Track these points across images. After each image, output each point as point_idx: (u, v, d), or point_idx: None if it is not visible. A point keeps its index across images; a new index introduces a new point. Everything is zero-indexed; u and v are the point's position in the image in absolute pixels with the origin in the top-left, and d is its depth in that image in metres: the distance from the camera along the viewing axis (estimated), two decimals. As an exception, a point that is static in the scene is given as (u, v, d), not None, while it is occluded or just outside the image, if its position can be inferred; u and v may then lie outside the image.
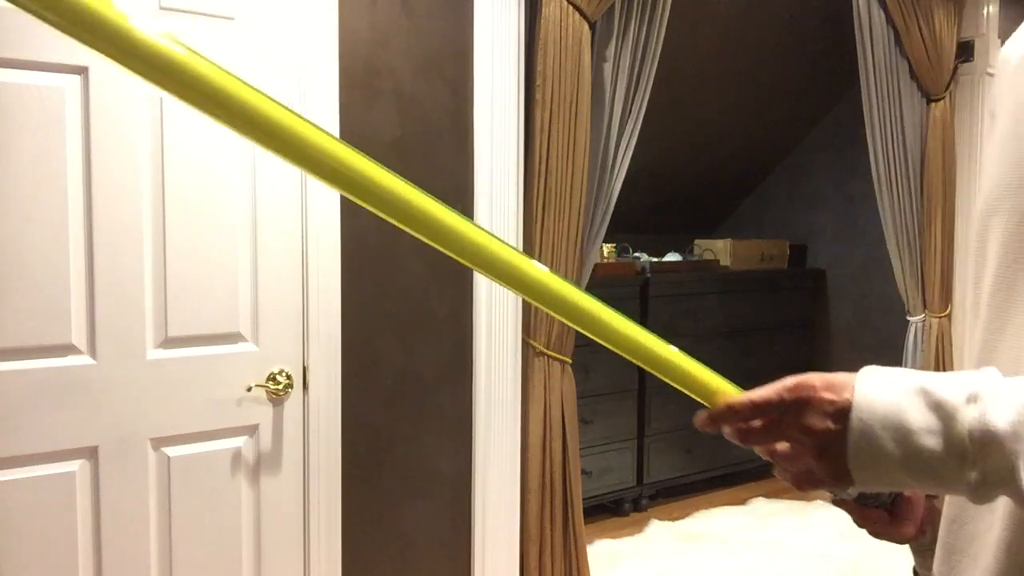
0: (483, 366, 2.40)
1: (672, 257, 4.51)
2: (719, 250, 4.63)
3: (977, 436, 0.59)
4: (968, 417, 0.60)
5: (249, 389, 2.04)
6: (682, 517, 4.01)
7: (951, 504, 0.74)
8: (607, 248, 4.09)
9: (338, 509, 2.17)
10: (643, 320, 4.00)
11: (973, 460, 0.60)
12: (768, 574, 3.39)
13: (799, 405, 0.66)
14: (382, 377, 2.26)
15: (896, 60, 3.53)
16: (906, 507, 0.79)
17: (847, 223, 4.85)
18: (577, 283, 2.55)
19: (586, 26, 2.45)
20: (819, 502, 4.19)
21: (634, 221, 4.57)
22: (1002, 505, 0.66)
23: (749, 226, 5.30)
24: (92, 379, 1.85)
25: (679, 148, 4.51)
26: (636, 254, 4.42)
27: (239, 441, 2.04)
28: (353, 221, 2.15)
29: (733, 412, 0.71)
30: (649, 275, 4.15)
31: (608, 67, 2.59)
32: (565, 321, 0.76)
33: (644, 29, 2.65)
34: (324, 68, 2.09)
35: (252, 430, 2.06)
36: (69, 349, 1.82)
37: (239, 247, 2.02)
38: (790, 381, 0.68)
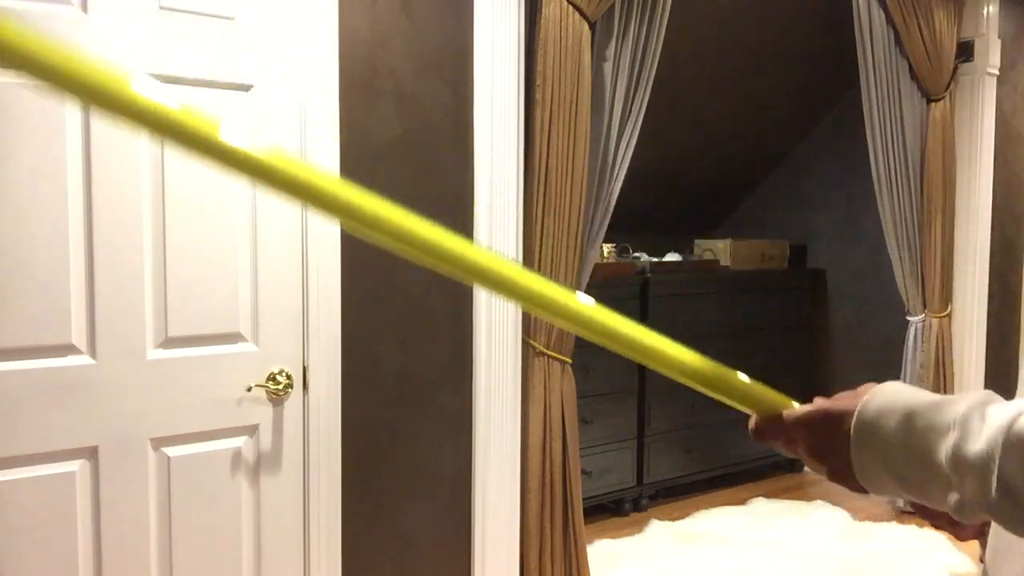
0: (483, 366, 2.40)
1: (672, 257, 4.51)
2: (719, 250, 4.63)
3: (953, 463, 0.64)
4: (946, 445, 0.65)
5: (249, 389, 2.04)
6: (682, 517, 4.01)
7: None
8: (607, 248, 4.09)
9: (338, 509, 2.17)
10: (643, 320, 3.99)
11: (954, 486, 0.65)
12: (768, 574, 3.38)
13: (808, 431, 0.75)
14: (382, 377, 2.26)
15: (896, 60, 3.53)
16: None
17: (847, 223, 4.85)
18: (576, 285, 2.55)
19: (586, 26, 2.45)
20: (819, 502, 4.19)
21: (634, 221, 4.56)
22: None
23: (749, 226, 5.30)
24: (92, 379, 1.85)
25: (679, 148, 4.51)
26: (636, 254, 4.42)
27: (239, 441, 2.04)
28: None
29: (778, 427, 0.78)
30: (649, 275, 4.14)
31: (608, 67, 2.59)
32: (627, 353, 0.78)
33: (644, 29, 2.65)
34: (324, 68, 2.09)
35: (252, 430, 2.06)
36: (69, 349, 1.82)
37: (239, 247, 2.02)
38: (801, 410, 0.76)
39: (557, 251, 2.47)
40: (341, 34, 2.11)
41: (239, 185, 2.01)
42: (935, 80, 3.63)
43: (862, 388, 0.74)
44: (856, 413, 0.71)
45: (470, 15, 2.33)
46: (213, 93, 1.96)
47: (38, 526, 1.80)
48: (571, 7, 2.40)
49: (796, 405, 0.79)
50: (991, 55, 3.81)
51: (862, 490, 0.72)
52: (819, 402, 0.75)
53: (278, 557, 2.11)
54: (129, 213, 1.88)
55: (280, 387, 2.06)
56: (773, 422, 0.77)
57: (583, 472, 3.69)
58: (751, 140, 4.81)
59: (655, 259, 4.37)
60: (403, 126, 2.25)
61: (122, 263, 1.87)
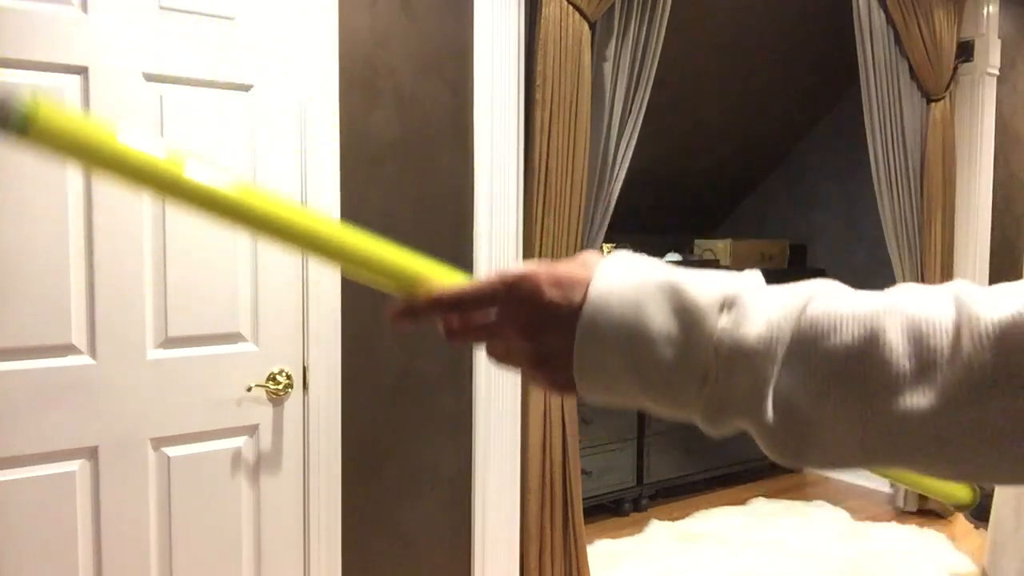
0: (483, 366, 2.40)
1: (672, 257, 4.52)
2: (719, 250, 4.63)
3: (724, 351, 0.49)
4: (716, 326, 0.50)
5: (249, 389, 2.04)
6: (682, 517, 4.01)
7: (997, 502, 0.76)
8: (607, 248, 4.09)
9: (338, 509, 2.17)
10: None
11: (715, 378, 0.50)
12: (768, 574, 3.38)
13: (517, 304, 0.55)
14: (382, 377, 2.26)
15: (896, 60, 3.53)
16: None
17: (847, 223, 4.85)
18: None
19: (586, 26, 2.45)
20: (819, 502, 4.19)
21: (634, 221, 4.57)
22: None
23: (749, 226, 5.30)
24: (92, 379, 1.85)
25: (679, 148, 4.51)
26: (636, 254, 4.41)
27: (239, 441, 2.04)
28: (354, 217, 2.15)
29: (436, 304, 0.59)
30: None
31: (608, 67, 2.59)
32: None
33: (644, 29, 2.65)
34: (324, 68, 2.09)
35: (252, 430, 2.06)
36: (69, 349, 1.82)
37: (239, 247, 2.02)
38: (511, 274, 0.56)
39: (557, 251, 2.47)
40: (341, 34, 2.11)
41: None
42: (935, 80, 3.63)
43: (586, 255, 0.57)
44: (592, 280, 0.53)
45: (470, 15, 2.33)
46: (213, 93, 1.96)
47: (38, 526, 1.80)
48: (571, 7, 2.40)
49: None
50: (991, 55, 3.81)
51: (569, 386, 0.55)
52: (530, 267, 0.56)
53: (278, 557, 2.11)
54: (129, 213, 1.88)
55: (280, 387, 2.06)
56: (463, 289, 0.58)
57: (583, 472, 3.69)
58: (751, 140, 4.81)
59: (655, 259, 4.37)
60: (403, 126, 2.25)
61: (122, 263, 1.87)
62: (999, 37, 3.85)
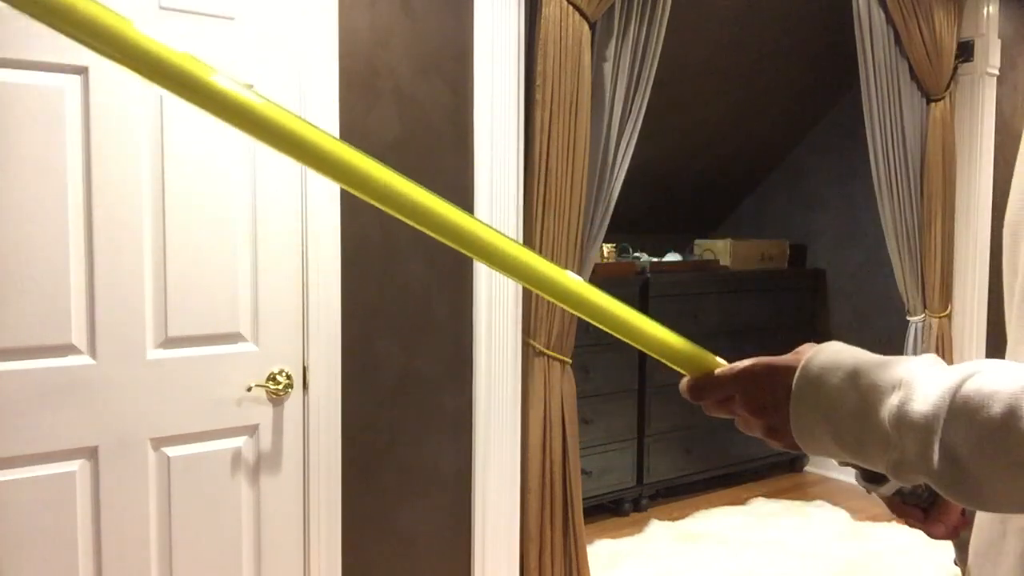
0: (483, 366, 2.40)
1: (672, 257, 4.51)
2: (719, 250, 4.63)
3: (894, 422, 0.62)
4: (890, 404, 0.63)
5: (249, 389, 2.04)
6: (682, 517, 4.01)
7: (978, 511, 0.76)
8: (607, 248, 4.09)
9: (338, 509, 2.17)
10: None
11: (894, 444, 0.63)
12: (768, 574, 3.38)
13: (745, 391, 0.74)
14: (382, 377, 2.26)
15: (896, 60, 3.53)
16: (941, 509, 0.81)
17: (847, 223, 4.85)
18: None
19: (586, 26, 2.45)
20: (819, 502, 4.19)
21: (634, 221, 4.56)
22: (1015, 518, 0.69)
23: (749, 226, 5.30)
24: (92, 379, 1.85)
25: (679, 148, 4.51)
26: (636, 254, 4.42)
27: (239, 441, 2.04)
28: (353, 220, 2.15)
29: (700, 391, 0.77)
30: (649, 275, 4.14)
31: (608, 67, 2.59)
32: (565, 307, 0.80)
33: (644, 29, 2.65)
34: (324, 68, 2.09)
35: (252, 430, 2.06)
36: (69, 349, 1.82)
37: (239, 247, 2.02)
38: (740, 367, 0.74)
39: (557, 251, 2.47)
40: (341, 34, 2.11)
41: (239, 184, 2.01)
42: (935, 80, 3.63)
43: (804, 347, 0.73)
44: (800, 367, 0.69)
45: (470, 15, 2.33)
46: (213, 93, 1.95)
47: (38, 526, 1.81)
48: (571, 7, 2.41)
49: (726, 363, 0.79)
50: (991, 55, 3.81)
51: (796, 447, 0.71)
52: (760, 358, 0.74)
53: (278, 557, 2.11)
54: (129, 213, 1.88)
55: (280, 387, 2.06)
56: (712, 378, 0.76)
57: (583, 472, 3.69)
58: (751, 140, 4.80)
59: (655, 259, 4.37)
60: (403, 126, 2.25)
61: (122, 263, 1.87)
62: (999, 37, 3.85)
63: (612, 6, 2.54)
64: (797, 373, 0.69)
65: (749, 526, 3.89)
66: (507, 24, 2.37)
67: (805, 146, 5.04)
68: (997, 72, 3.87)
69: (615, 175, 2.66)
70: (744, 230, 5.28)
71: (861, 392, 0.65)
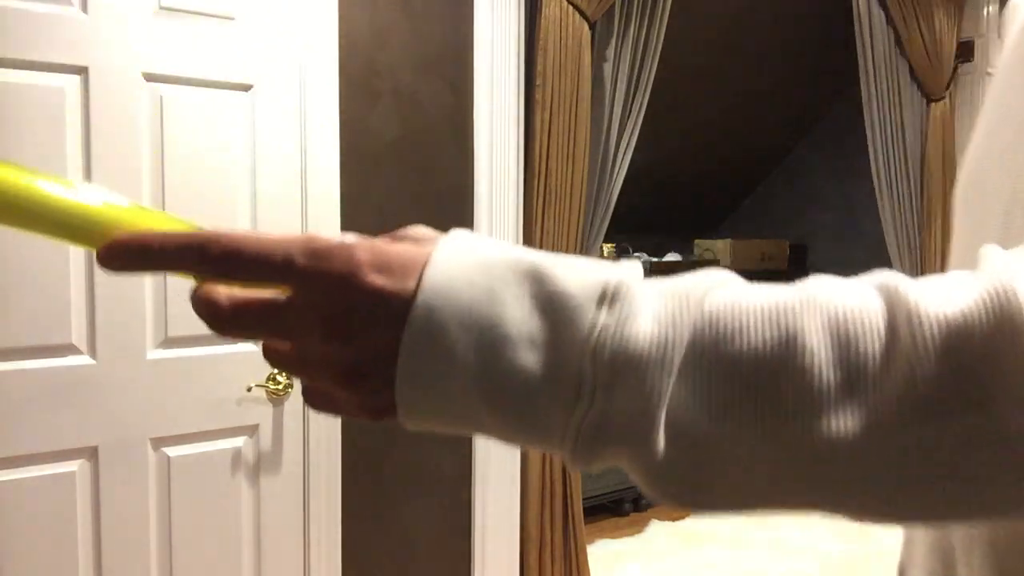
0: (483, 366, 2.40)
1: (672, 257, 4.52)
2: (719, 250, 4.63)
3: (605, 357, 0.36)
4: (596, 325, 0.37)
5: (249, 389, 2.04)
6: (682, 517, 4.01)
7: None
8: (607, 248, 4.09)
9: (338, 509, 2.17)
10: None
11: (590, 394, 0.37)
12: (768, 574, 3.39)
13: (323, 287, 0.39)
14: (382, 377, 2.26)
15: (896, 60, 3.53)
16: None
17: (847, 223, 4.85)
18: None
19: (586, 26, 2.45)
20: (819, 502, 4.19)
21: (634, 221, 4.57)
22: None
23: (749, 226, 5.30)
24: (92, 379, 1.85)
25: (679, 148, 4.51)
26: (636, 254, 4.42)
27: (239, 441, 2.04)
28: (354, 217, 2.15)
29: (201, 248, 0.42)
30: (649, 275, 4.14)
31: (608, 67, 2.59)
32: None
33: (644, 29, 2.65)
34: (324, 68, 2.09)
35: (252, 430, 2.06)
36: (69, 349, 1.82)
37: (239, 247, 2.01)
38: (320, 241, 0.41)
39: (557, 251, 2.47)
40: (341, 34, 2.11)
41: (239, 183, 2.01)
42: (935, 80, 3.63)
43: (425, 230, 0.42)
44: (430, 259, 0.39)
45: (470, 15, 2.33)
46: (213, 93, 1.96)
47: (38, 526, 1.81)
48: (571, 7, 2.41)
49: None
50: (991, 55, 3.81)
51: (387, 411, 0.40)
52: (354, 236, 0.41)
53: (278, 557, 2.11)
54: (129, 213, 1.87)
55: (280, 387, 2.06)
56: (243, 241, 0.42)
57: (583, 472, 3.69)
58: (751, 140, 4.81)
59: (655, 259, 4.37)
60: (403, 126, 2.25)
61: (122, 263, 1.87)
62: (999, 37, 3.85)
63: (612, 6, 2.54)
64: (425, 270, 0.39)
65: (749, 526, 3.90)
66: (507, 24, 2.37)
67: (805, 146, 5.05)
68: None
69: (615, 175, 2.66)
70: (744, 230, 5.28)
71: (540, 303, 0.38)
